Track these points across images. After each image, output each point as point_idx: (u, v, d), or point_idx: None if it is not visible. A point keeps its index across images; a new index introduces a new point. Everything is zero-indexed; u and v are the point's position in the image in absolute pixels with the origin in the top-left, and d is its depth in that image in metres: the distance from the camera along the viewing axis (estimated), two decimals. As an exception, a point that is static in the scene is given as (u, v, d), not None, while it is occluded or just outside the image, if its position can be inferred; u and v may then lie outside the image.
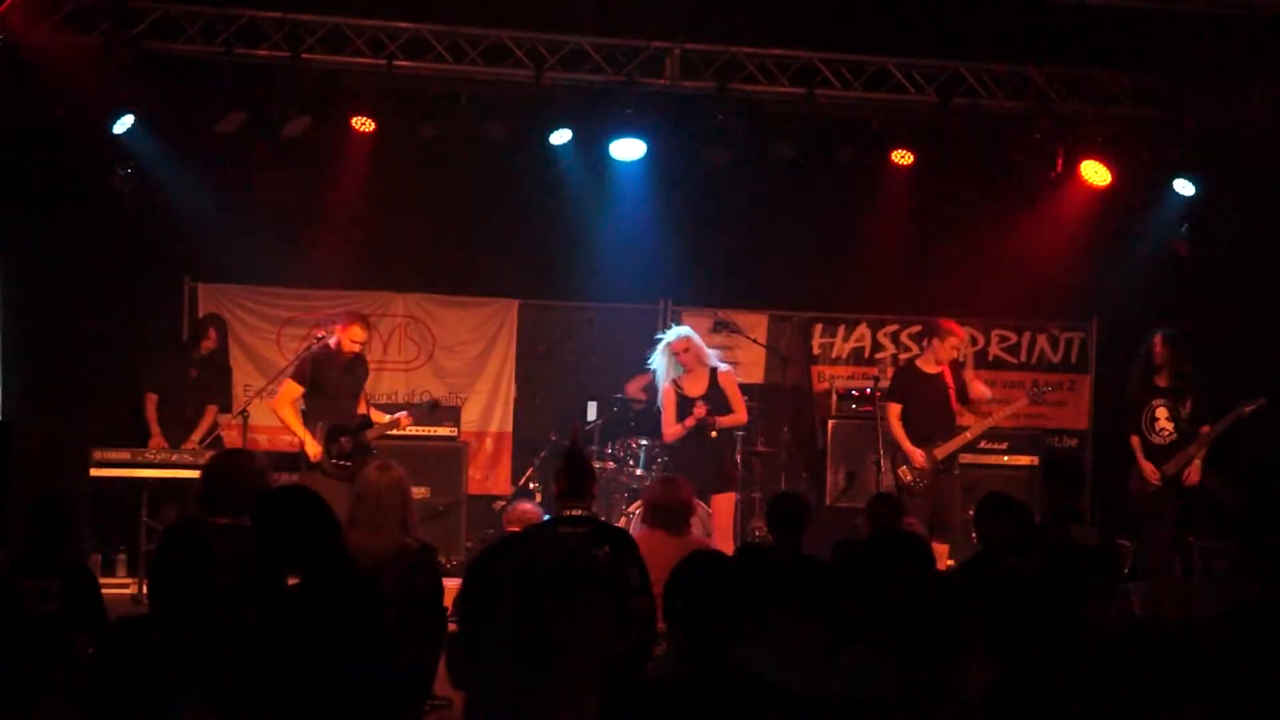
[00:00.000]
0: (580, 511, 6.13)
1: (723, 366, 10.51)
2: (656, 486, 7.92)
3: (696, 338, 10.52)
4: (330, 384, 10.01)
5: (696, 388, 10.34)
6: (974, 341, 13.37)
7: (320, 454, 9.77)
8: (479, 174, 12.28)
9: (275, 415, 10.27)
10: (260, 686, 4.58)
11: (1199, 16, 10.92)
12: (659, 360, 10.48)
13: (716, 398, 10.28)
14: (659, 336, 10.66)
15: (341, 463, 9.81)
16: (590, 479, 6.29)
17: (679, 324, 11.62)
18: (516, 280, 12.96)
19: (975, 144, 11.93)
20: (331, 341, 10.05)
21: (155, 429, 11.13)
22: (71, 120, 10.86)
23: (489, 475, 12.82)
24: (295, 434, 9.93)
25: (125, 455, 10.33)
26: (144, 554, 10.20)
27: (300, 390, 9.99)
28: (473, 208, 12.49)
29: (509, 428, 12.97)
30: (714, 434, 10.15)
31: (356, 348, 10.04)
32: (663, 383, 10.47)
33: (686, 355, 10.34)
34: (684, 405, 10.25)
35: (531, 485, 12.15)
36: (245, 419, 10.46)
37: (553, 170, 12.09)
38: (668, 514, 7.59)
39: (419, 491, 10.25)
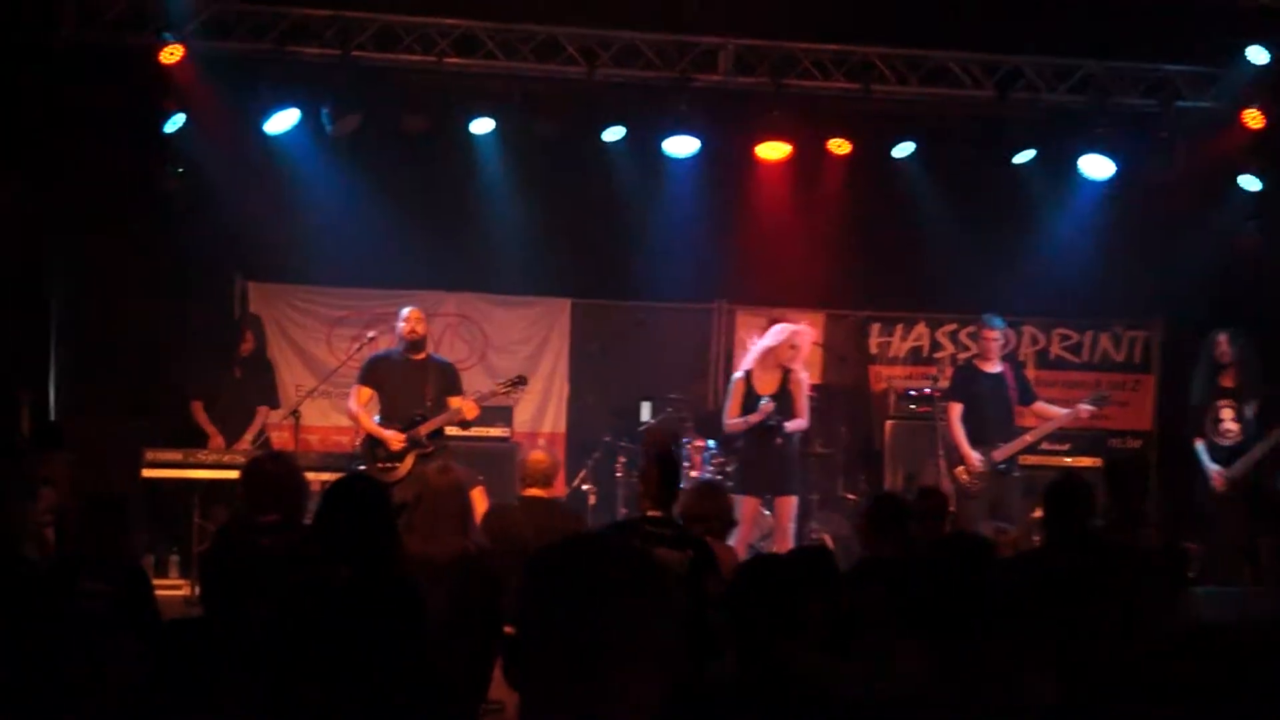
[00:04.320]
0: (663, 514, 6.14)
1: (797, 370, 10.36)
2: (690, 495, 7.87)
3: (808, 342, 10.48)
4: (391, 383, 10.04)
5: (767, 385, 10.24)
6: (1034, 341, 13.28)
7: (402, 441, 9.80)
8: (530, 172, 12.28)
9: (352, 421, 10.35)
10: (305, 686, 4.61)
11: (1256, 9, 10.86)
12: (761, 344, 10.32)
13: (784, 400, 10.18)
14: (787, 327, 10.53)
15: (387, 465, 9.83)
16: (677, 484, 6.30)
17: (733, 324, 11.59)
18: (569, 279, 12.97)
19: (1034, 138, 11.88)
20: (398, 333, 10.07)
21: (210, 430, 11.15)
22: (122, 120, 10.99)
23: (551, 470, 12.77)
24: (375, 434, 9.93)
25: (177, 456, 10.38)
26: (196, 555, 10.18)
27: (369, 392, 10.06)
28: (525, 206, 12.48)
29: (562, 428, 13.02)
30: (779, 440, 10.03)
31: (414, 333, 10.05)
32: (739, 370, 10.41)
33: (793, 352, 10.22)
34: (749, 400, 10.17)
35: (585, 487, 12.11)
36: (297, 419, 10.53)
37: (605, 168, 12.13)
38: (706, 521, 7.55)
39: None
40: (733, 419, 10.24)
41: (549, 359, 13.03)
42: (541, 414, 12.98)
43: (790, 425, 10.10)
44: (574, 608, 5.02)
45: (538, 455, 8.01)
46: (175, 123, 10.99)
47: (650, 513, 6.16)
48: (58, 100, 10.77)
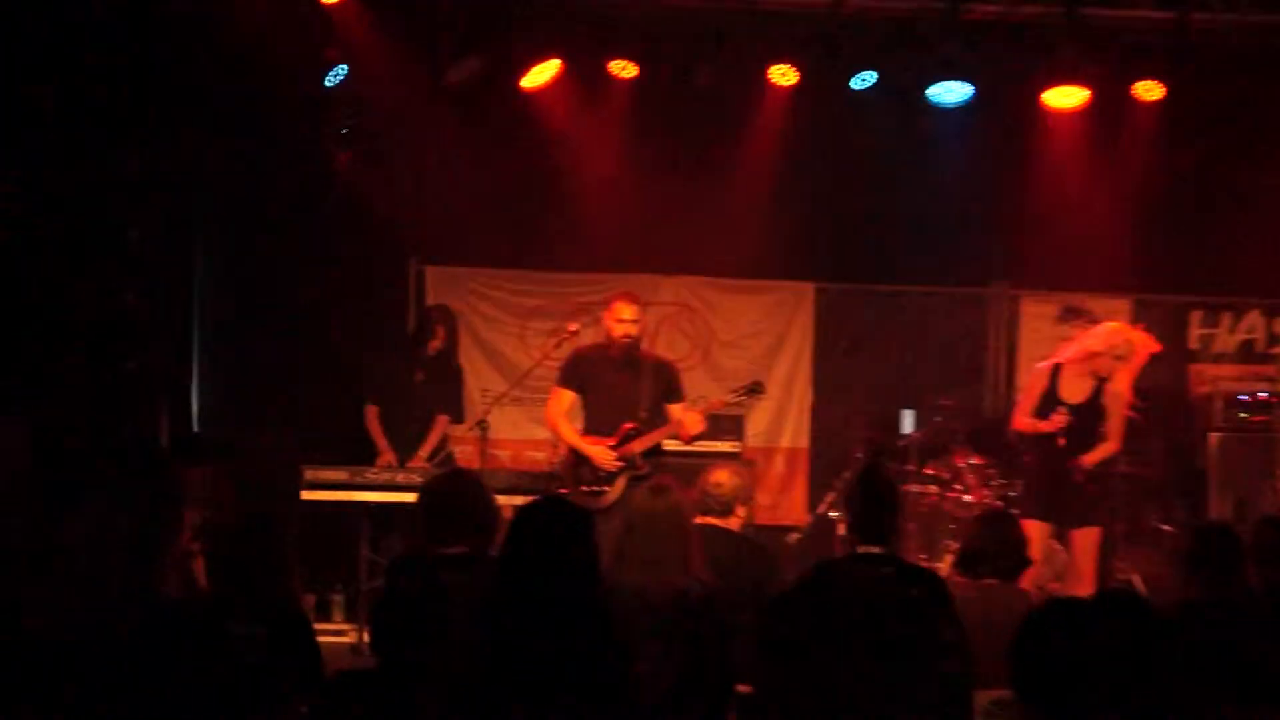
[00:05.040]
0: (879, 550, 6.05)
1: (1117, 383, 10.08)
2: (975, 524, 7.73)
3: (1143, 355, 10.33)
4: (598, 387, 10.02)
5: (1074, 392, 9.97)
6: None
7: (611, 460, 9.84)
8: (763, 128, 12.23)
9: (551, 433, 10.38)
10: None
11: None
12: (1084, 343, 10.11)
13: (1089, 416, 9.89)
14: None
15: (593, 488, 9.82)
16: (892, 511, 6.21)
17: (1017, 311, 11.40)
18: (812, 259, 12.95)
19: None
20: (606, 326, 10.06)
21: (383, 444, 11.18)
22: (276, 75, 11.18)
23: (780, 501, 12.89)
24: (579, 449, 9.91)
25: (342, 475, 10.41)
26: (365, 594, 10.38)
27: (571, 396, 10.02)
28: (756, 169, 12.45)
29: (804, 442, 13.01)
30: (1074, 466, 9.79)
31: (629, 329, 9.92)
32: (1050, 360, 10.21)
33: (1117, 364, 9.96)
34: (1048, 400, 9.95)
35: (833, 514, 12.05)
36: (483, 431, 10.47)
37: (854, 122, 12.05)
38: (993, 559, 7.43)
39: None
40: (1024, 419, 10.04)
41: (788, 357, 13.03)
42: (779, 424, 12.98)
43: (1089, 458, 9.81)
44: (819, 663, 4.97)
45: (719, 475, 7.88)
46: (337, 75, 11.14)
47: (860, 548, 6.07)
48: (197, 54, 10.98)
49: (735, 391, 10.29)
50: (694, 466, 10.89)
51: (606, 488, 9.79)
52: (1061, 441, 9.70)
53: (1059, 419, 9.74)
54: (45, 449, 9.09)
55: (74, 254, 10.21)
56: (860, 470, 6.52)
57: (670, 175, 12.42)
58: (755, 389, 10.35)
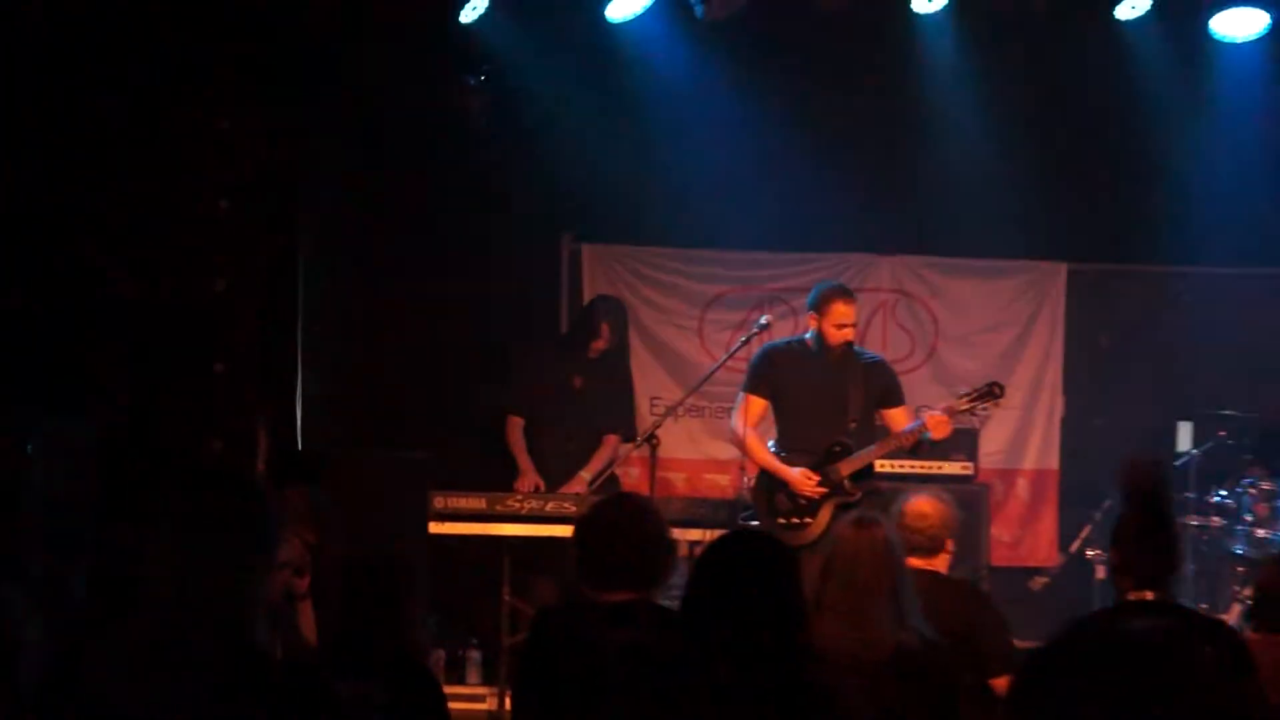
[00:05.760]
0: (1155, 596, 5.90)
1: None
2: (1272, 566, 7.57)
3: None
4: (795, 391, 10.03)
5: None
6: None
7: (812, 486, 9.75)
8: (997, 71, 12.26)
9: (739, 450, 10.31)
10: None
11: None
12: None
13: None
14: None
15: (792, 520, 9.80)
16: (1171, 548, 6.08)
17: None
18: (1064, 233, 12.89)
19: None
20: (823, 333, 9.97)
21: (525, 464, 11.26)
22: (397, 8, 11.25)
23: (1023, 536, 12.85)
24: (774, 471, 9.91)
25: (479, 504, 10.48)
26: (506, 650, 10.39)
27: (762, 404, 10.05)
28: (992, 123, 12.39)
29: (1053, 463, 12.97)
30: None
31: (849, 335, 9.95)
32: None
33: None
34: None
35: (1089, 553, 11.95)
36: (653, 448, 10.51)
37: (1117, 61, 11.98)
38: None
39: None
40: None
41: (1033, 356, 13.00)
42: (1022, 440, 12.94)
43: None
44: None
45: (922, 504, 7.76)
46: (475, 10, 11.16)
47: (1132, 594, 5.92)
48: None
49: (966, 396, 10.15)
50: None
51: (808, 519, 9.86)
52: None
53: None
54: (113, 465, 9.14)
55: (150, 230, 10.26)
56: (1134, 496, 6.36)
57: (884, 128, 12.51)
58: (992, 393, 10.16)
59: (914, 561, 7.48)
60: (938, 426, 9.74)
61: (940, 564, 7.66)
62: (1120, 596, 6.07)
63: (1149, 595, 6.03)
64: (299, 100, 11.26)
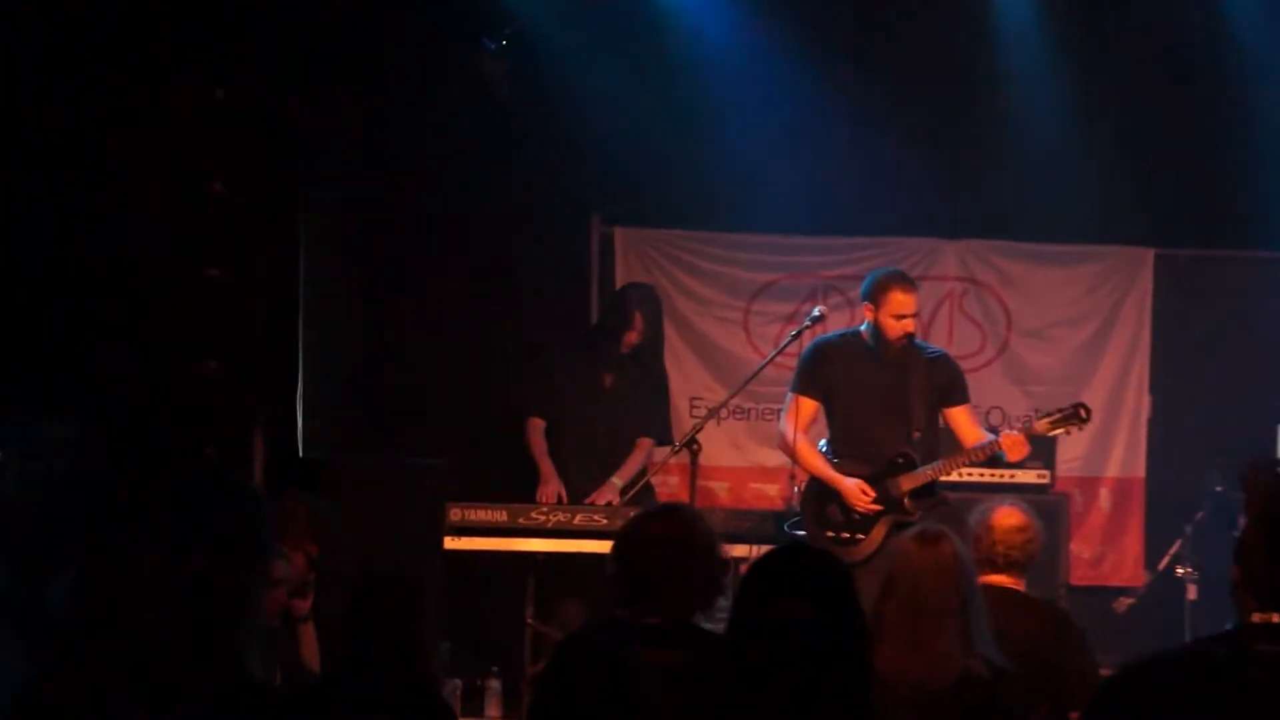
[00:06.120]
0: None
1: None
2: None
3: None
4: (850, 391, 10.02)
5: None
6: None
7: (866, 500, 9.75)
8: (1086, 29, 12.32)
9: (788, 457, 10.28)
10: None
11: None
12: None
13: None
14: None
15: (842, 535, 9.82)
16: None
17: None
18: (1149, 216, 12.89)
19: None
20: (881, 326, 9.93)
21: (547, 470, 11.20)
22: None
23: (1105, 552, 12.87)
24: (826, 480, 9.90)
25: (499, 516, 10.50)
26: (529, 679, 10.35)
27: (814, 406, 10.03)
28: (1063, 87, 12.44)
29: (1139, 470, 13.00)
30: None
31: (909, 326, 9.91)
32: None
33: None
34: None
35: (1180, 571, 11.91)
36: (694, 455, 10.48)
37: (1211, 20, 12.06)
38: None
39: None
40: None
41: (1117, 351, 13.05)
42: (1104, 444, 12.95)
43: None
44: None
45: (1009, 515, 7.72)
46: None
47: (1256, 615, 5.87)
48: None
49: (1049, 417, 10.12)
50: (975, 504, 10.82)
51: (860, 535, 9.88)
52: None
53: None
54: (94, 471, 9.13)
55: (134, 213, 10.25)
56: (1260, 505, 6.30)
57: (951, 99, 12.54)
58: (1078, 415, 10.05)
59: (998, 578, 7.47)
60: (1013, 448, 9.68)
61: (1020, 581, 7.63)
62: (1243, 619, 6.01)
63: (1275, 618, 5.96)
64: (302, 69, 11.25)
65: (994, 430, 10.05)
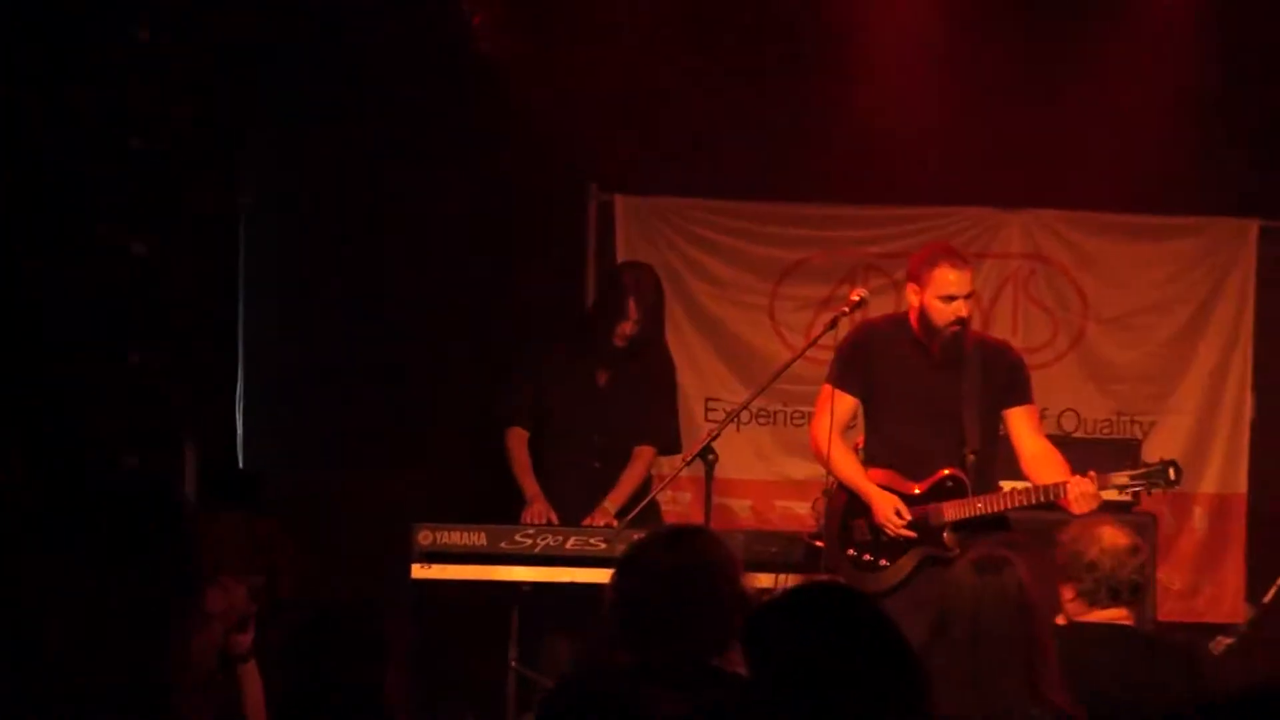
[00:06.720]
0: None
1: None
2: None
3: None
4: (894, 388, 10.01)
5: None
6: None
7: (899, 523, 9.71)
8: None
9: (817, 457, 10.23)
10: None
11: None
12: None
13: None
14: None
15: (864, 556, 9.85)
16: None
17: None
18: (1254, 182, 12.82)
19: None
20: (925, 310, 9.90)
21: (531, 489, 11.16)
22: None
23: (1200, 583, 12.91)
24: (858, 490, 9.88)
25: (477, 539, 10.43)
26: (512, 729, 10.44)
27: (852, 404, 10.02)
28: (1148, 39, 12.47)
29: (1241, 485, 12.96)
30: None
31: (961, 311, 9.84)
32: None
33: None
34: None
35: None
36: (709, 466, 10.49)
37: None
38: None
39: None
40: None
41: (1214, 342, 13.05)
42: (1199, 453, 12.94)
43: None
44: None
45: (1119, 534, 7.71)
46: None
47: None
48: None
49: (1132, 474, 9.98)
50: (1057, 521, 10.81)
51: (885, 561, 9.85)
52: None
53: None
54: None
55: (43, 175, 10.26)
56: None
57: (1013, 47, 12.50)
58: (1166, 477, 9.92)
59: (1113, 613, 7.46)
60: (1081, 500, 9.48)
61: (1132, 617, 7.63)
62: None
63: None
64: (247, 10, 11.29)
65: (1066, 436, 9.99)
